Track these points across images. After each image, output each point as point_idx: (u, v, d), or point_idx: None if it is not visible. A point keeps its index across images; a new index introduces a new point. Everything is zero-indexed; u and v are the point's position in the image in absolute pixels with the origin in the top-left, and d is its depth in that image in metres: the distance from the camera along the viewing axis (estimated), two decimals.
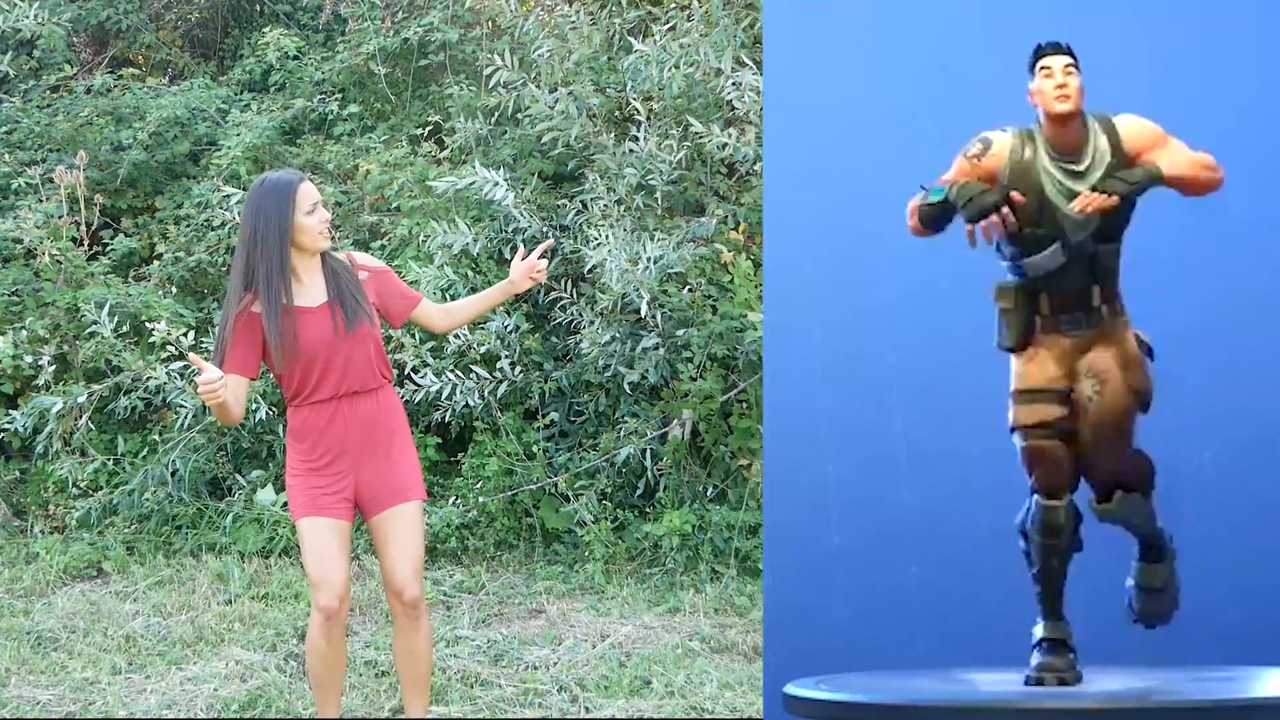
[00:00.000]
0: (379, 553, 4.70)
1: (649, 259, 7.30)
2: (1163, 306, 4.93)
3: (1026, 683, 4.23)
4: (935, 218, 4.33)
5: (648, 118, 7.93)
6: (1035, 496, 4.29)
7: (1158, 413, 4.32)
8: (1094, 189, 4.14)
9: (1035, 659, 4.28)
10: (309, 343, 4.49)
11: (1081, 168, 4.22)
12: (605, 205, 7.70)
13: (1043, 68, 4.25)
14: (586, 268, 7.55)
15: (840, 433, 5.65)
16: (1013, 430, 4.32)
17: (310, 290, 4.56)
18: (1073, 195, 4.18)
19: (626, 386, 7.63)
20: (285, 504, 7.64)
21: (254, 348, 4.50)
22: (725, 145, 7.41)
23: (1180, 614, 4.63)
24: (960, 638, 4.53)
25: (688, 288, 7.49)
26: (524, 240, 8.01)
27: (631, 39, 7.91)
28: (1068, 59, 4.25)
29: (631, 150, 7.74)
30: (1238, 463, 5.29)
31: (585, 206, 7.84)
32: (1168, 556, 4.49)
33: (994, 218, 4.20)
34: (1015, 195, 4.19)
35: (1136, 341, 4.30)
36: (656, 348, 7.52)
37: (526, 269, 4.92)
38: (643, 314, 7.39)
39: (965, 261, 4.38)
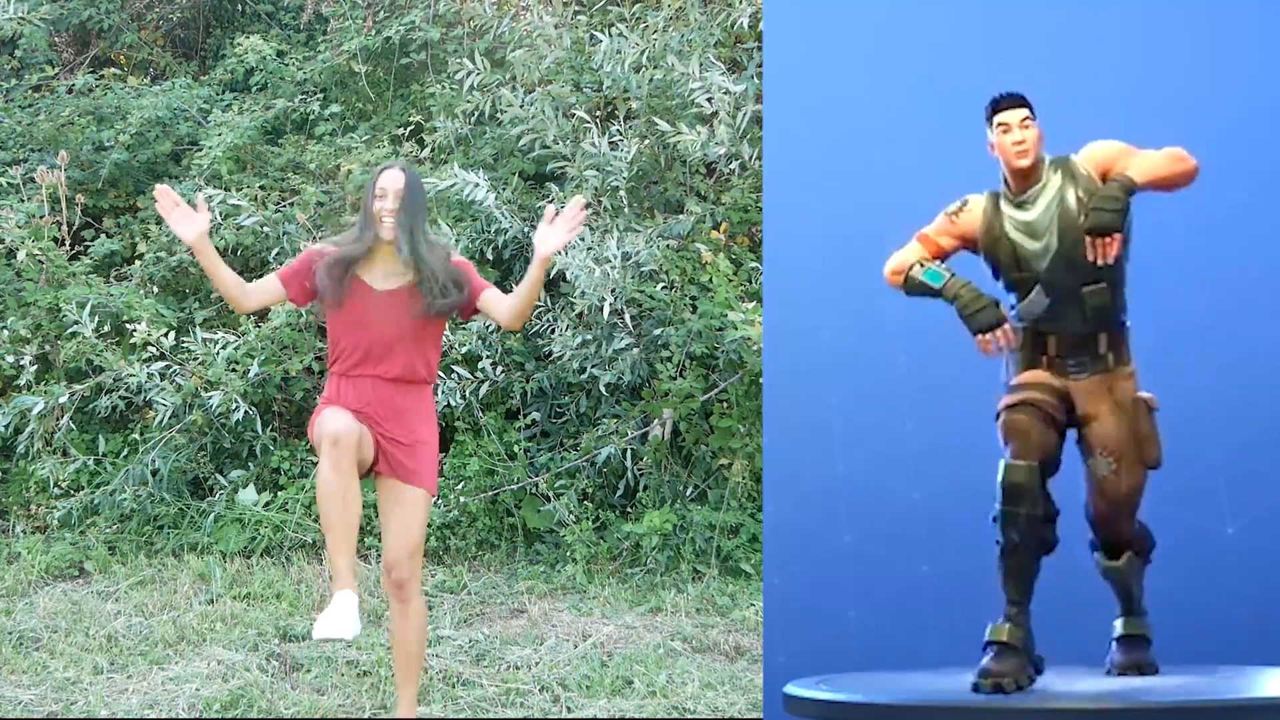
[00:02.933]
0: (382, 524, 4.83)
1: (615, 256, 7.31)
2: (1169, 308, 4.96)
3: (975, 689, 4.11)
4: (920, 293, 4.41)
5: (627, 115, 7.95)
6: (1003, 460, 4.24)
7: (1166, 414, 4.36)
8: (1087, 231, 4.11)
9: (988, 660, 4.16)
10: (362, 318, 4.71)
11: (1026, 198, 4.28)
12: None
13: (1000, 124, 4.27)
14: (554, 271, 7.56)
15: (850, 432, 5.67)
16: (997, 416, 4.33)
17: (382, 273, 4.76)
18: (1023, 225, 4.27)
19: (603, 388, 7.65)
20: (267, 504, 7.65)
21: (305, 275, 4.81)
22: (694, 144, 7.41)
23: (1184, 614, 4.63)
24: (972, 637, 4.52)
25: (663, 285, 7.51)
26: (506, 240, 8.03)
27: (601, 35, 7.92)
28: (1024, 112, 4.27)
29: (590, 154, 7.75)
30: (1245, 463, 5.31)
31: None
32: (1146, 611, 4.53)
33: (998, 334, 4.27)
34: (1006, 330, 4.28)
35: (1145, 406, 4.33)
36: (630, 348, 7.53)
37: (558, 225, 4.71)
38: (607, 315, 7.40)
39: (976, 262, 4.41)
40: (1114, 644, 4.49)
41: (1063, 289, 4.25)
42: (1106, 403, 4.31)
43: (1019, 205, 4.30)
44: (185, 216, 4.66)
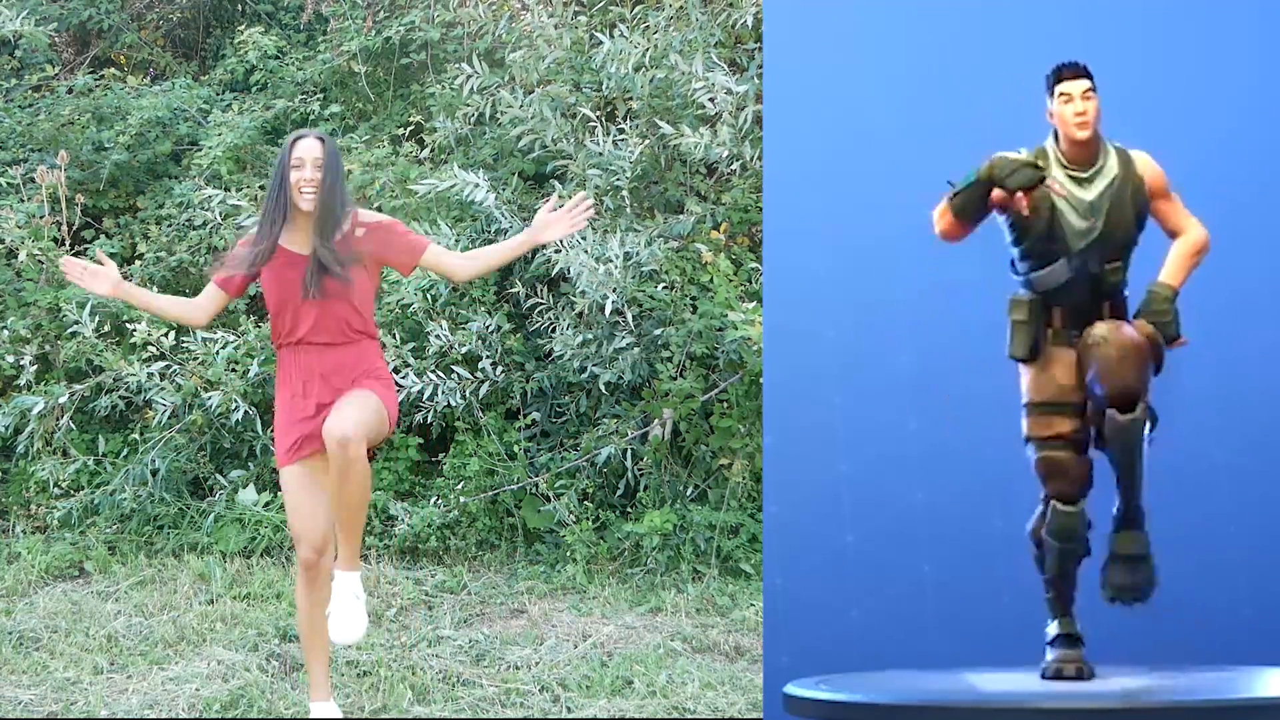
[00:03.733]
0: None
1: (617, 256, 7.31)
2: None
3: (1044, 675, 4.33)
4: (968, 207, 4.37)
5: (627, 115, 7.94)
6: (1053, 503, 4.34)
7: (1169, 413, 4.35)
8: (1152, 325, 4.33)
9: (1053, 653, 4.38)
10: (282, 287, 4.79)
11: (1088, 175, 4.35)
12: None
13: (1062, 93, 4.33)
14: (555, 270, 7.57)
15: (853, 432, 5.66)
16: (1026, 441, 4.40)
17: (302, 238, 4.80)
18: (1078, 201, 4.32)
19: (603, 387, 7.65)
20: (267, 504, 7.64)
21: (234, 268, 4.91)
22: (697, 145, 7.42)
23: (1188, 613, 4.63)
24: (974, 638, 4.55)
25: (664, 285, 7.51)
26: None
27: (602, 36, 7.92)
28: (1087, 83, 4.32)
29: (593, 154, 7.76)
30: (1249, 462, 5.30)
31: None
32: (1146, 523, 4.42)
33: (1041, 191, 4.30)
34: (1051, 183, 4.31)
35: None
36: (631, 347, 7.53)
37: (561, 217, 5.02)
38: (608, 313, 7.40)
39: (979, 262, 4.44)
40: (1112, 563, 4.42)
41: (1088, 269, 4.33)
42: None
43: (1078, 181, 4.35)
44: (93, 275, 4.89)
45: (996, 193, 4.30)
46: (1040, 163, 4.35)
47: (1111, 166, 4.35)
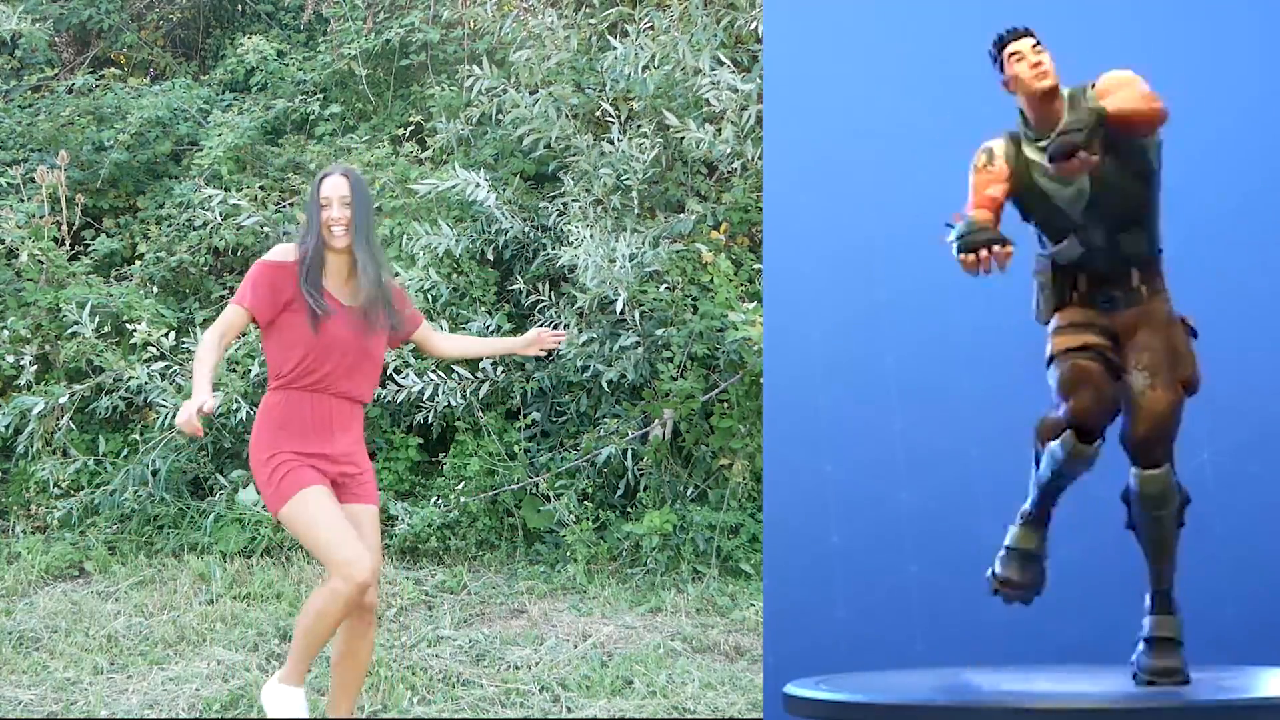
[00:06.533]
0: None
1: (624, 256, 7.32)
2: None
3: (988, 577, 4.32)
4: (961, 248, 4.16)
5: (628, 116, 7.95)
6: (1067, 433, 4.12)
7: None
8: (1049, 152, 4.02)
9: (999, 570, 4.33)
10: (328, 333, 4.52)
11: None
12: (582, 206, 7.72)
13: (1012, 53, 4.22)
14: (562, 266, 7.57)
15: (839, 433, 5.65)
16: (1050, 361, 4.22)
17: (337, 286, 4.61)
18: (1046, 172, 4.15)
19: (606, 385, 7.65)
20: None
21: (275, 293, 4.52)
22: (701, 143, 7.42)
23: (1189, 612, 4.57)
24: (959, 638, 4.54)
25: (665, 285, 7.51)
26: (506, 240, 8.03)
27: (610, 38, 7.93)
28: (1032, 40, 4.23)
29: (606, 152, 7.77)
30: (1237, 463, 5.29)
31: (565, 208, 7.86)
32: (1177, 610, 4.28)
33: (984, 253, 4.00)
34: (1009, 248, 4.04)
35: (1183, 326, 4.22)
36: (635, 346, 7.53)
37: (541, 340, 5.15)
38: (620, 309, 7.41)
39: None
40: (1142, 644, 4.30)
41: (1097, 234, 4.18)
42: (1145, 324, 4.19)
43: (1045, 150, 4.14)
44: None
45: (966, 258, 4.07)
46: (1006, 161, 4.21)
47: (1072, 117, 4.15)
